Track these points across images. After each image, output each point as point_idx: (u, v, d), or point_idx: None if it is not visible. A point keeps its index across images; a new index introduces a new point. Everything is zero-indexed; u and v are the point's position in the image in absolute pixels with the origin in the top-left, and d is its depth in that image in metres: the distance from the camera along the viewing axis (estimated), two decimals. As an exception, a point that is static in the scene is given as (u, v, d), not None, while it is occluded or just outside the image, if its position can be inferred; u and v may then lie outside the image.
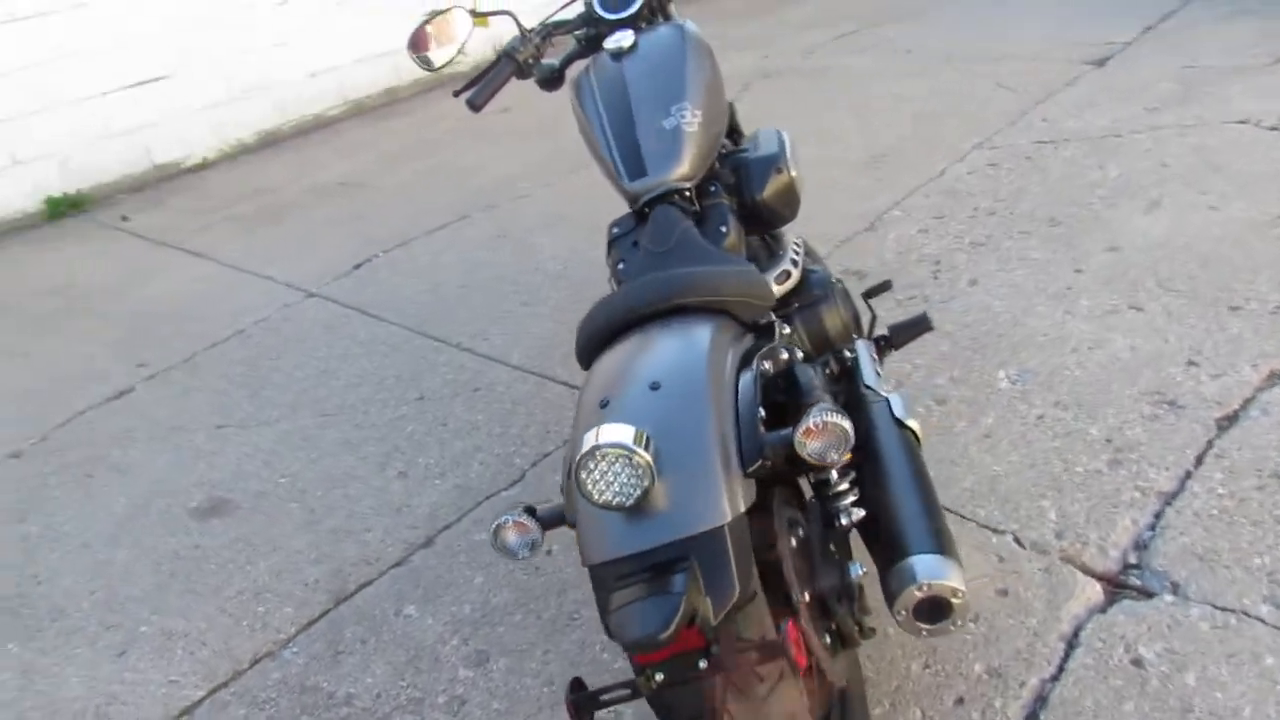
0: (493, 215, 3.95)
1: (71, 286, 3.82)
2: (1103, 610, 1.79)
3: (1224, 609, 1.74)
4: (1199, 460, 2.10)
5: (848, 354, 1.94)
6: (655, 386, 1.29)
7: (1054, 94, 4.29)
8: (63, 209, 4.50)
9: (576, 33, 2.12)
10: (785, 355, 1.47)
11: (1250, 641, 1.67)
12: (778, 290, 1.88)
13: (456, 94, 2.10)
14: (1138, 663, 1.67)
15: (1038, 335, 2.61)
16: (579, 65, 2.08)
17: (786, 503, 1.45)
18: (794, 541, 1.40)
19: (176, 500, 2.51)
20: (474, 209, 4.02)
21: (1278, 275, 2.67)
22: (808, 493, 1.56)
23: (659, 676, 1.17)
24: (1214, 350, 2.43)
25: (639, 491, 1.15)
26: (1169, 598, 1.79)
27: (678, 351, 1.38)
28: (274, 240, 4.01)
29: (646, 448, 1.15)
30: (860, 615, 1.51)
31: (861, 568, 1.45)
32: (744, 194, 1.92)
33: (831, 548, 1.48)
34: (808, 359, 1.77)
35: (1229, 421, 2.20)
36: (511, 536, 1.32)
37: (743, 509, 1.20)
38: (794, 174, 1.94)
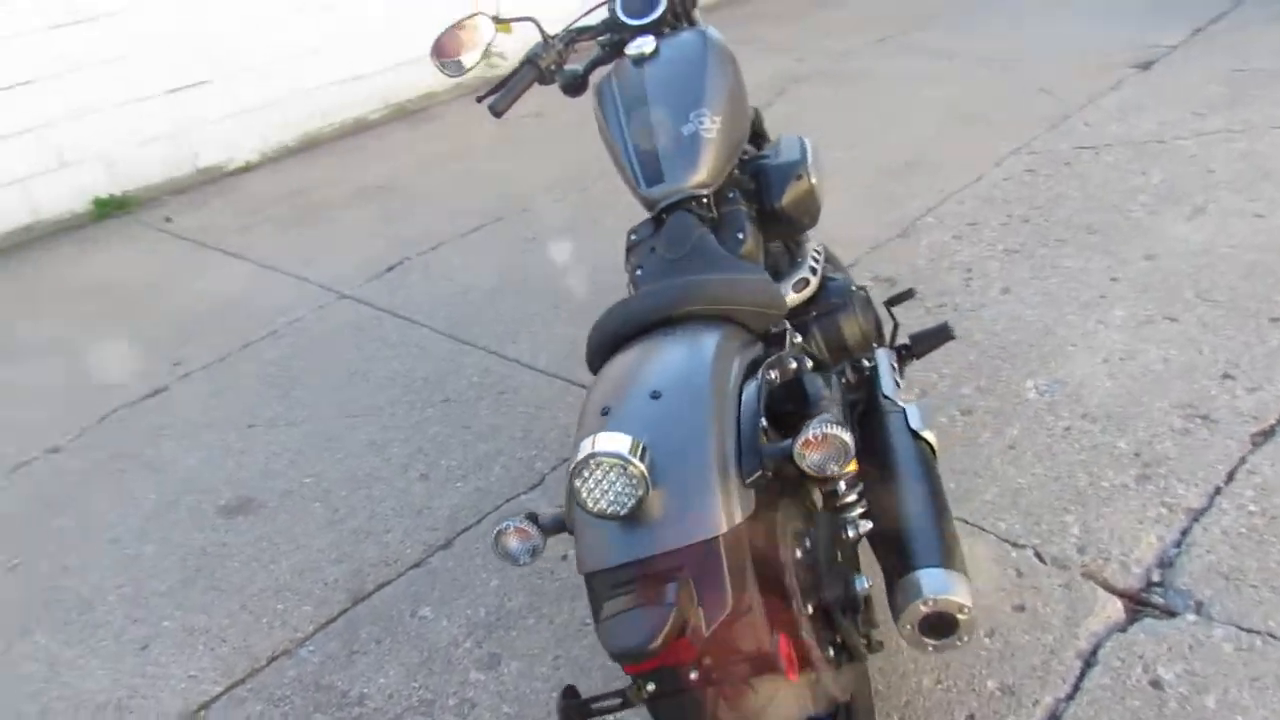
0: (525, 219, 3.97)
1: (114, 286, 3.90)
2: (1123, 629, 1.75)
3: (1249, 630, 1.69)
4: (1230, 476, 2.05)
5: (866, 363, 1.92)
6: (656, 395, 1.28)
7: (1097, 98, 4.22)
8: (109, 210, 4.60)
9: (600, 38, 2.12)
10: (794, 365, 1.46)
11: (1275, 665, 1.63)
12: (795, 298, 1.87)
13: (480, 100, 2.11)
14: (1156, 684, 1.63)
15: (1068, 345, 2.56)
16: (602, 71, 2.08)
17: (793, 514, 1.44)
18: (799, 553, 1.38)
19: (205, 498, 2.56)
20: (507, 212, 4.04)
21: (1321, 286, 2.60)
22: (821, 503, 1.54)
23: (650, 687, 1.17)
24: (1251, 363, 2.37)
25: (633, 501, 1.14)
26: (1192, 617, 1.74)
27: (681, 360, 1.38)
28: (310, 242, 4.07)
29: (642, 458, 1.14)
30: (868, 628, 1.49)
31: (868, 581, 1.44)
32: (763, 200, 1.91)
33: (839, 559, 1.47)
34: (821, 368, 1.76)
35: (1264, 437, 2.14)
36: (513, 542, 1.33)
37: (739, 520, 1.19)
38: (814, 180, 1.93)
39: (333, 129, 5.33)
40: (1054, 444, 2.22)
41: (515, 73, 2.06)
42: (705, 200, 1.82)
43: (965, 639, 1.41)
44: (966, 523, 2.04)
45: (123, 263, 4.13)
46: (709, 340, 1.41)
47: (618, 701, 1.18)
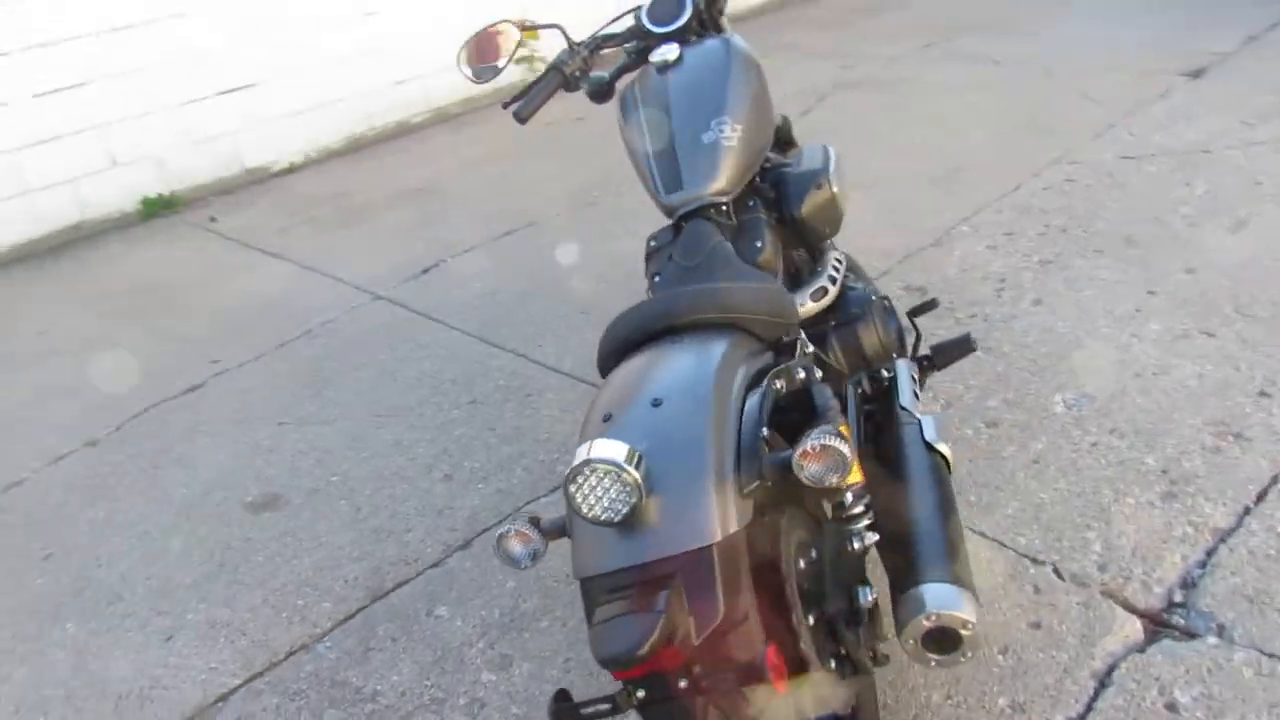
0: (560, 223, 3.99)
1: (158, 284, 3.99)
2: (1141, 649, 1.72)
3: (1271, 655, 1.65)
4: (1261, 496, 2.00)
5: (885, 373, 1.90)
6: (658, 403, 1.29)
7: (1144, 106, 4.14)
8: (157, 209, 4.70)
9: (626, 45, 2.13)
10: (802, 374, 1.45)
11: (1296, 691, 1.59)
12: (813, 306, 1.86)
13: (505, 106, 2.13)
14: (1172, 706, 1.60)
15: (1100, 359, 2.52)
16: (629, 78, 2.09)
17: (799, 523, 1.43)
18: (803, 563, 1.38)
19: (233, 493, 2.60)
20: (542, 216, 4.06)
21: (1365, 303, 2.53)
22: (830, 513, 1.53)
23: (640, 693, 1.17)
24: (1289, 380, 2.32)
25: (627, 508, 1.15)
26: (1212, 640, 1.70)
27: (686, 368, 1.38)
28: (349, 243, 4.13)
29: (638, 466, 1.15)
30: (874, 641, 1.48)
31: (872, 593, 1.43)
32: (783, 208, 1.91)
33: (844, 571, 1.46)
34: (830, 378, 1.75)
35: (1298, 457, 2.09)
36: (515, 546, 1.33)
37: (735, 529, 1.18)
38: (836, 189, 1.92)
39: (376, 132, 5.40)
40: (1079, 459, 2.18)
41: (540, 79, 2.08)
42: (724, 208, 1.82)
43: (969, 655, 1.39)
44: (986, 537, 2.01)
45: (167, 262, 4.23)
46: (715, 349, 1.41)
47: (608, 707, 1.18)
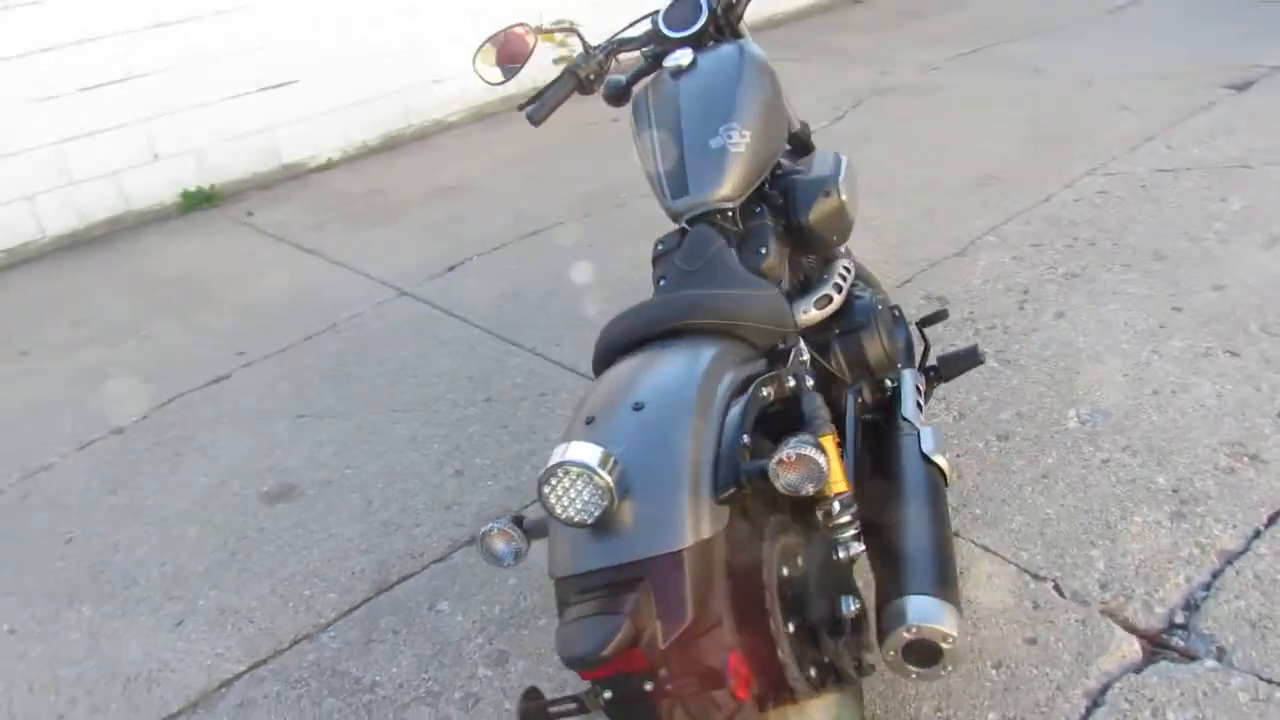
0: (587, 223, 4.01)
1: (193, 276, 4.08)
2: (1137, 669, 1.69)
3: (1269, 681, 1.62)
4: (1272, 520, 1.96)
5: (889, 383, 1.89)
6: (639, 407, 1.30)
7: (1185, 119, 4.06)
8: (196, 203, 4.81)
9: (643, 49, 2.14)
10: (791, 382, 1.45)
11: (1293, 719, 1.55)
12: (817, 314, 1.85)
13: (520, 108, 2.14)
14: (1164, 729, 1.57)
15: (1118, 375, 2.48)
16: (644, 82, 2.10)
17: (785, 531, 1.43)
18: (787, 570, 1.38)
19: (250, 484, 2.65)
20: (570, 216, 4.09)
21: (1396, 324, 2.46)
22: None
23: (607, 694, 1.18)
24: (1311, 402, 2.27)
25: (599, 511, 1.16)
26: (1211, 663, 1.67)
27: (671, 373, 1.39)
28: (380, 239, 4.18)
29: (612, 470, 1.16)
30: (859, 650, 1.48)
31: (855, 603, 1.42)
32: (790, 215, 1.90)
33: (831, 580, 1.45)
34: (828, 386, 1.75)
35: (1315, 480, 2.04)
36: (498, 544, 1.35)
37: (707, 535, 1.19)
38: (845, 197, 1.90)
39: (413, 129, 5.47)
40: (1089, 475, 2.15)
41: (555, 82, 2.09)
42: (730, 214, 1.82)
43: (949, 669, 1.38)
44: (989, 551, 1.99)
45: (203, 254, 4.32)
46: (704, 355, 1.41)
47: (574, 706, 1.19)
